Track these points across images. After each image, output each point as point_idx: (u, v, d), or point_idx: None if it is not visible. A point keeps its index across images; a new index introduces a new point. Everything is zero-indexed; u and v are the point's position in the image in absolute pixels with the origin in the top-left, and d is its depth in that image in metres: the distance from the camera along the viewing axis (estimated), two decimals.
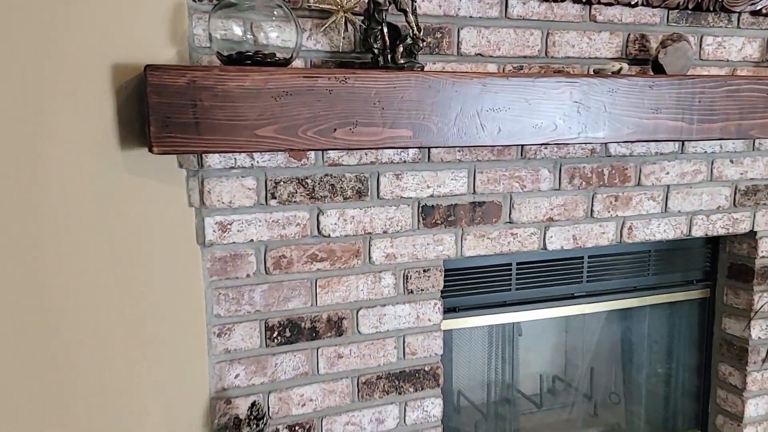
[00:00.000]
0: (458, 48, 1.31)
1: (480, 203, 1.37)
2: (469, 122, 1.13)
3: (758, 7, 1.51)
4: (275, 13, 1.05)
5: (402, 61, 1.16)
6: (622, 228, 1.51)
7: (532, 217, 1.41)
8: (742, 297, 1.72)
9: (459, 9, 1.29)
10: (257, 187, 1.19)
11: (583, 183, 1.44)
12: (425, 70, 1.23)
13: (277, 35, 1.05)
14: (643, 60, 1.47)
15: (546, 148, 1.38)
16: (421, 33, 1.17)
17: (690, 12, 1.48)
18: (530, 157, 1.38)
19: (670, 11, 1.46)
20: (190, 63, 1.10)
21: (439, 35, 1.29)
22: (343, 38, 1.19)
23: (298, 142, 1.02)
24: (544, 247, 1.45)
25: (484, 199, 1.37)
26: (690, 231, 1.58)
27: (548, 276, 1.58)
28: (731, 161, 1.57)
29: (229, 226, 1.18)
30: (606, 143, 1.34)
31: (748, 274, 1.70)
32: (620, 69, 1.29)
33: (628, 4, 1.39)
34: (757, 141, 1.59)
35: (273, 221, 1.21)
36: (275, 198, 1.20)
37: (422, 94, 1.09)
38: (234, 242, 1.19)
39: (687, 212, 1.56)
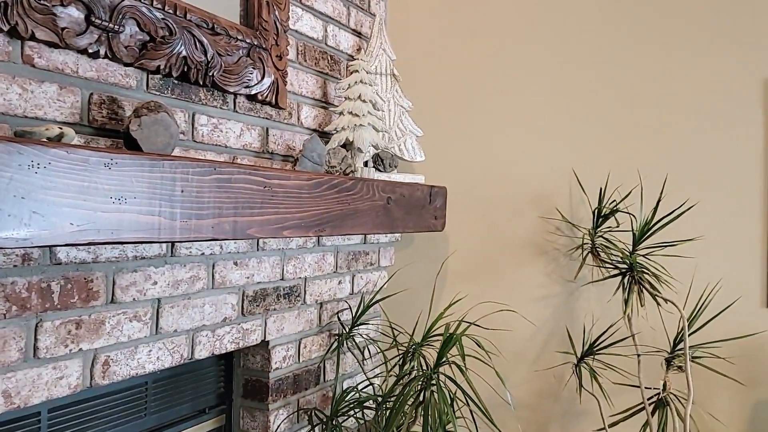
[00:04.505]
0: None
1: None
2: None
3: (253, 92, 1.36)
4: None
5: None
6: (93, 365, 1.04)
7: None
8: (258, 419, 1.48)
9: None
10: None
11: (15, 307, 0.91)
12: None
13: None
14: (117, 132, 1.09)
15: None
16: None
17: (177, 82, 1.20)
18: None
19: (151, 75, 1.14)
20: None
21: None
22: None
23: None
24: None
25: None
26: (192, 353, 1.24)
27: None
28: (235, 263, 1.33)
29: None
30: (40, 246, 0.86)
31: (262, 391, 1.47)
32: (61, 135, 0.85)
33: (85, 52, 1.00)
34: (261, 240, 1.40)
35: None
36: None
37: None
38: None
39: (187, 330, 1.22)
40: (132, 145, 1.02)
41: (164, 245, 1.14)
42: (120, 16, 1.03)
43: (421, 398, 1.33)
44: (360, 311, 1.66)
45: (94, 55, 1.01)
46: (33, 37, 0.91)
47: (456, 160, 2.05)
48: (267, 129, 1.45)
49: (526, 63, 1.99)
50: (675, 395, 1.74)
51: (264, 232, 1.14)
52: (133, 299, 1.09)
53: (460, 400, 1.36)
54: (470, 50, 2.04)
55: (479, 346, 1.61)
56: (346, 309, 1.74)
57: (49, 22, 0.93)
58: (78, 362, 1.01)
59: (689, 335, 1.71)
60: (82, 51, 0.99)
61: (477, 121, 2.04)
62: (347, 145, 1.64)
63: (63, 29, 0.95)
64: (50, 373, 0.97)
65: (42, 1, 0.91)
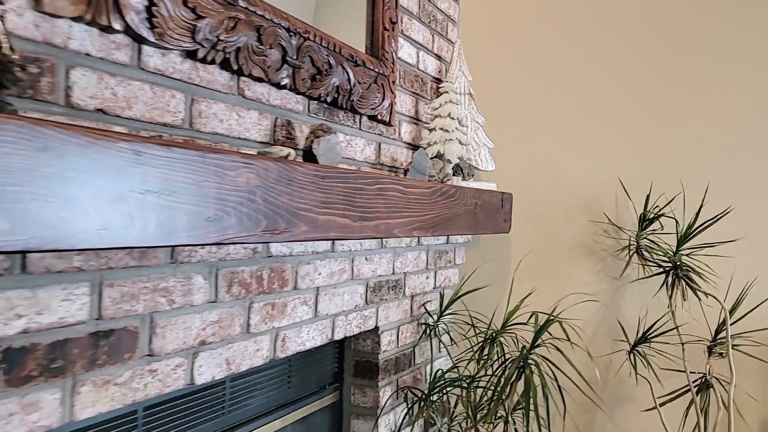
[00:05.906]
0: (67, 96, 0.85)
1: (106, 333, 0.88)
2: (112, 210, 0.70)
3: (374, 113, 1.58)
4: None
5: None
6: (276, 341, 1.26)
7: (180, 344, 1.01)
8: (368, 395, 1.70)
9: (69, 38, 0.84)
10: None
11: (243, 291, 1.13)
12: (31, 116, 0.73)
13: None
14: (290, 149, 1.31)
15: (203, 248, 1.02)
16: (16, 54, 0.68)
17: (327, 106, 1.42)
18: (182, 260, 0.99)
19: (311, 101, 1.37)
20: None
21: (36, 71, 0.80)
22: None
23: None
24: (192, 382, 1.06)
25: (113, 327, 0.89)
26: (333, 334, 1.46)
27: (186, 417, 1.17)
28: (366, 259, 1.56)
29: None
30: (288, 241, 1.08)
31: (373, 370, 1.70)
32: (288, 155, 1.08)
33: (277, 85, 1.22)
34: (384, 239, 1.63)
35: None
36: None
37: (30, 158, 0.60)
38: None
39: (332, 314, 1.44)
40: (310, 161, 1.25)
41: (328, 242, 1.36)
42: (302, 55, 1.25)
43: (519, 377, 1.56)
44: (447, 303, 1.89)
45: (282, 87, 1.24)
46: (250, 75, 1.14)
47: (515, 169, 2.29)
48: (379, 144, 1.68)
49: (577, 82, 2.23)
50: (717, 378, 1.99)
51: (402, 232, 1.37)
52: (307, 287, 1.31)
53: (552, 377, 1.59)
54: (529, 70, 2.28)
55: (550, 335, 1.84)
56: (430, 301, 1.97)
57: (261, 62, 1.15)
58: (269, 337, 1.23)
59: (730, 325, 1.95)
60: (275, 84, 1.22)
61: (533, 134, 2.28)
62: (439, 157, 1.87)
63: (268, 67, 1.17)
64: (252, 345, 1.19)
65: (260, 46, 1.13)
